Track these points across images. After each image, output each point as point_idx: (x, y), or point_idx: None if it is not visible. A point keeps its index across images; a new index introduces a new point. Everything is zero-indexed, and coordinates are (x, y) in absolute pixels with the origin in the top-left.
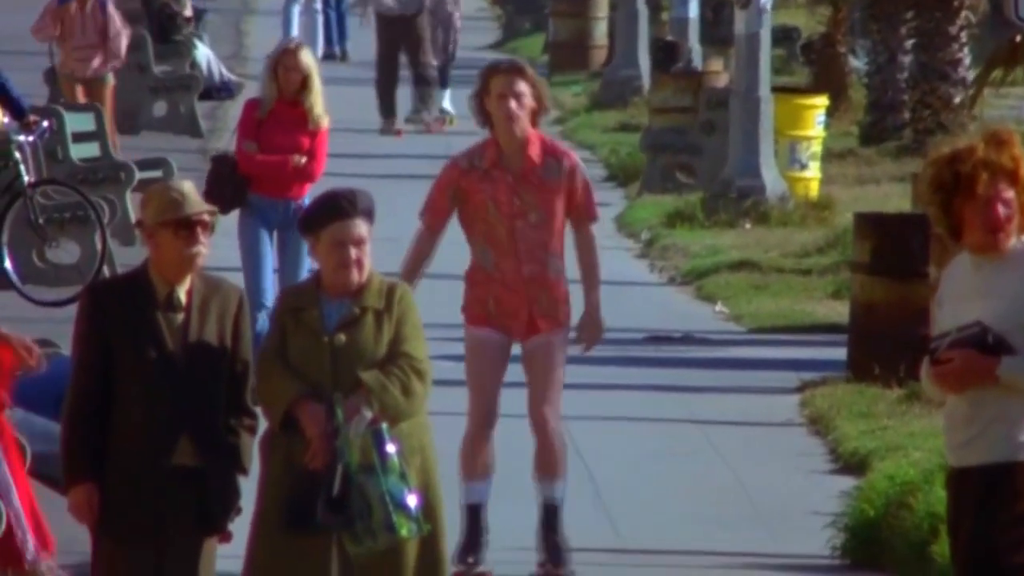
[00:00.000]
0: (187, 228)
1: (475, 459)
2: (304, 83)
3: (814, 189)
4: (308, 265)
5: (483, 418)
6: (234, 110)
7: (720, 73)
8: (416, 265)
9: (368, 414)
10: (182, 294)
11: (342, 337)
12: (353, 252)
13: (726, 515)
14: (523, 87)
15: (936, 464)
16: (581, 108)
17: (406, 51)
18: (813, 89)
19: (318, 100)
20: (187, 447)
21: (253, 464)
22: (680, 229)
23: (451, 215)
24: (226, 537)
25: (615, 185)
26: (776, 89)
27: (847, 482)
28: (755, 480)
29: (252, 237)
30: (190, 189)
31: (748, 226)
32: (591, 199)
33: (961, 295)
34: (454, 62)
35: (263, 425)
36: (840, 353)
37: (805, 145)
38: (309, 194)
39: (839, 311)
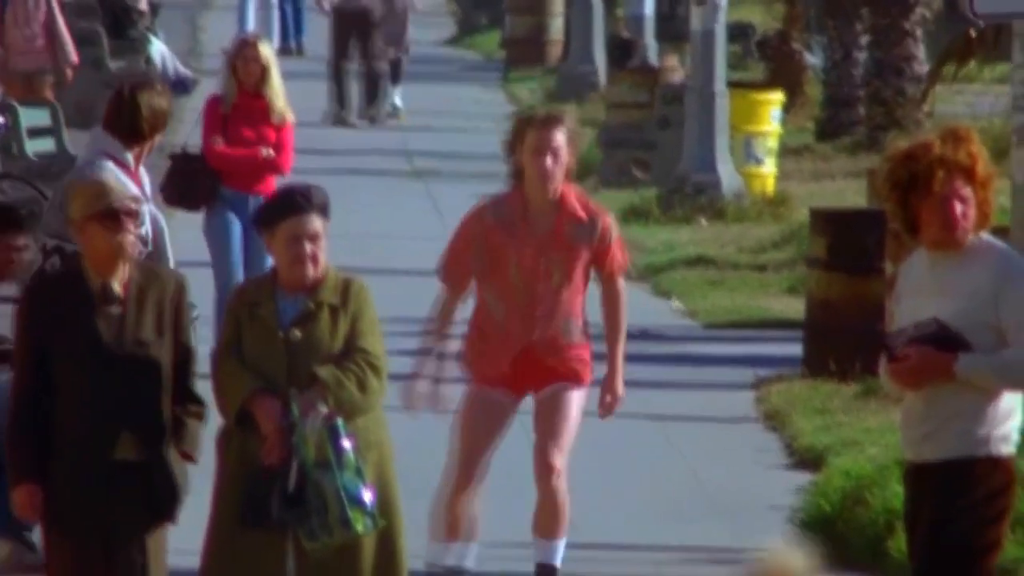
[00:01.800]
0: (114, 218)
1: (450, 517)
2: (263, 74)
3: (770, 185)
4: None
5: (467, 480)
6: (190, 106)
7: (676, 69)
8: (444, 334)
9: (324, 409)
10: (118, 286)
11: (297, 332)
12: (308, 247)
13: (683, 510)
14: (560, 141)
15: (892, 459)
16: (537, 103)
17: (358, 43)
18: (769, 85)
19: (278, 92)
20: (131, 439)
21: (208, 452)
22: (636, 225)
23: (473, 271)
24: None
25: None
26: (732, 85)
27: (803, 477)
28: (711, 475)
29: (222, 232)
30: (112, 180)
31: (704, 222)
32: (623, 253)
33: (918, 291)
34: (408, 56)
35: (218, 420)
36: (796, 349)
37: (761, 141)
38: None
39: (795, 307)
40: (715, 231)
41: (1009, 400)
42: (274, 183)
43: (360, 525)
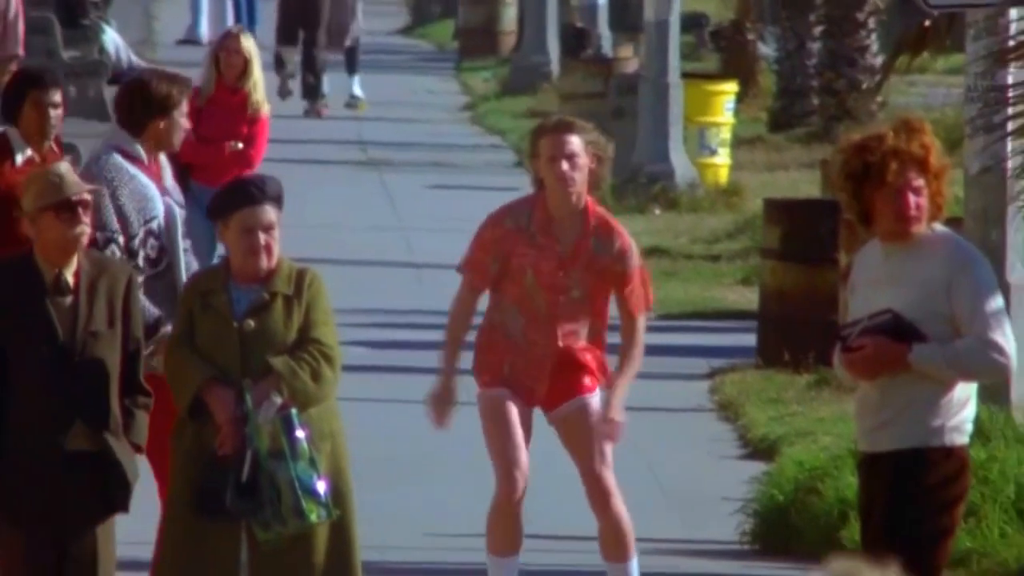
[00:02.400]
0: (68, 210)
1: (504, 531)
2: (245, 67)
3: (723, 175)
4: None
5: (512, 484)
6: None
7: (630, 59)
8: (463, 331)
9: (277, 400)
10: (69, 276)
11: (251, 323)
12: (262, 238)
13: (636, 500)
14: (575, 146)
15: (845, 450)
16: (491, 94)
17: (304, 31)
18: (722, 75)
19: (258, 86)
20: (82, 430)
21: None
22: None
23: (492, 276)
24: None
25: (525, 171)
26: (686, 75)
27: (756, 468)
28: (665, 466)
29: (194, 225)
30: (67, 171)
31: (658, 212)
32: (645, 289)
33: (872, 282)
34: (359, 47)
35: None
36: (750, 339)
37: (714, 131)
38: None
39: (749, 297)
40: (669, 221)
41: (963, 390)
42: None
43: (314, 515)
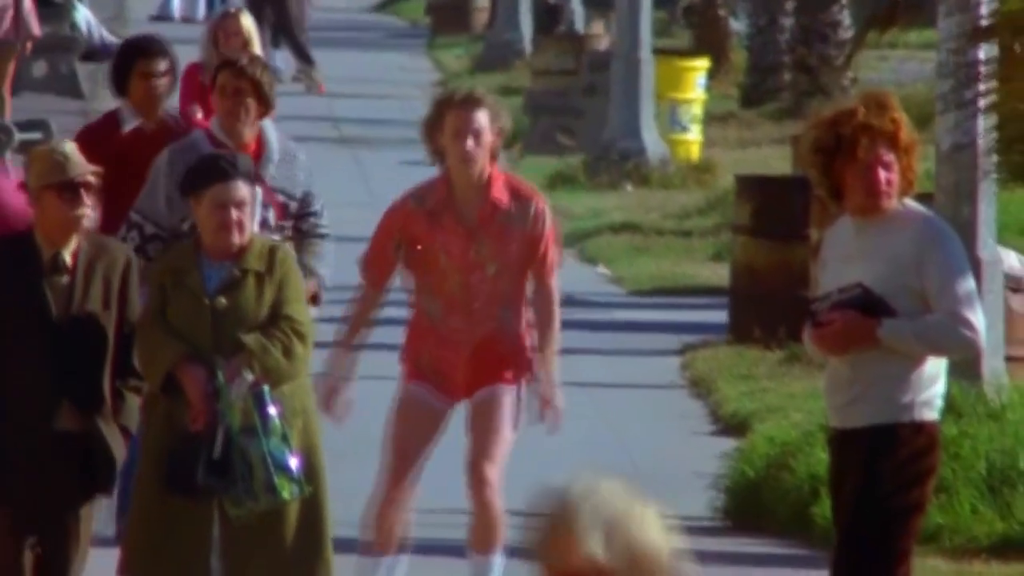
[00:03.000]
0: (71, 190)
1: (381, 527)
2: (244, 48)
3: (695, 152)
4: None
5: (396, 485)
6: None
7: (601, 36)
8: (357, 331)
9: (249, 376)
10: (67, 256)
11: (223, 300)
12: (234, 214)
13: (608, 476)
14: (482, 122)
15: (816, 425)
16: (463, 71)
17: (272, 10)
18: (694, 52)
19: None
20: (71, 410)
21: None
22: (562, 191)
23: (396, 266)
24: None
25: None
26: (657, 52)
27: (728, 444)
28: (637, 442)
29: None
30: (72, 151)
31: (629, 188)
32: (556, 248)
33: (843, 257)
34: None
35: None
36: (721, 315)
37: (686, 108)
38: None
39: (720, 273)
40: (641, 197)
41: (933, 366)
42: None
43: (286, 492)
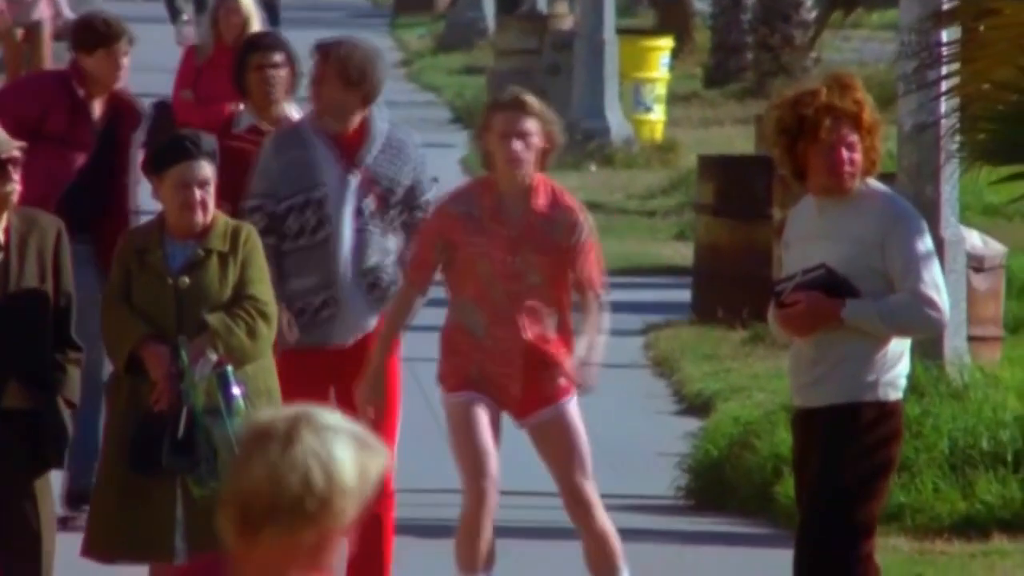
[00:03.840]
0: None
1: (475, 545)
2: (244, 28)
3: (659, 131)
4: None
5: (480, 496)
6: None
7: (565, 15)
8: (397, 328)
9: (213, 357)
10: (0, 234)
11: (186, 279)
12: (198, 193)
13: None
14: (530, 125)
15: (779, 405)
16: (426, 50)
17: None
18: (657, 31)
19: None
20: (17, 388)
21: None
22: None
23: (437, 268)
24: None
25: (460, 127)
26: (621, 31)
27: (691, 423)
28: (600, 421)
29: None
30: None
31: (593, 168)
32: (597, 267)
33: (807, 237)
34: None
35: (108, 367)
36: (684, 295)
37: (650, 87)
38: None
39: (683, 253)
40: (604, 177)
41: (897, 346)
42: None
43: None
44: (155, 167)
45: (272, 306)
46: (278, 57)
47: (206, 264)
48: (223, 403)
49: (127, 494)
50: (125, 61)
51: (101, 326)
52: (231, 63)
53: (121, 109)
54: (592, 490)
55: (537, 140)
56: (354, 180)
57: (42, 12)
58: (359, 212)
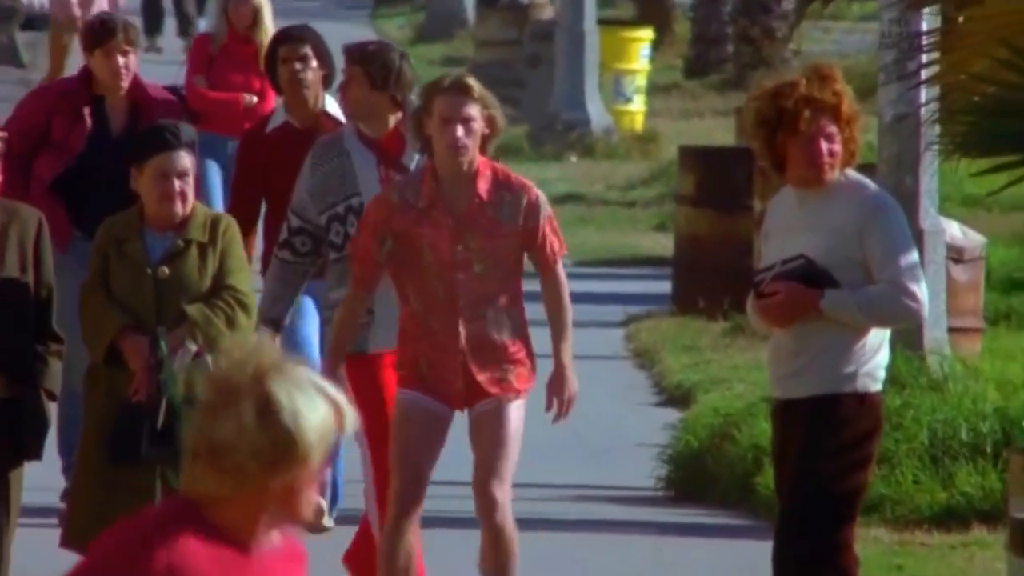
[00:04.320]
0: None
1: (395, 557)
2: (255, 18)
3: (639, 122)
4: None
5: (407, 502)
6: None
7: (545, 6)
8: (346, 338)
9: (192, 347)
10: None
11: (166, 270)
12: (177, 184)
13: (552, 447)
14: (472, 110)
15: (759, 396)
16: (406, 41)
17: None
18: (638, 22)
19: (267, 37)
20: None
21: None
22: (506, 162)
23: (383, 264)
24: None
25: None
26: (601, 22)
27: (672, 414)
28: (581, 412)
29: (202, 175)
30: None
31: (574, 159)
32: (557, 236)
33: (786, 228)
34: None
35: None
36: (665, 286)
37: (630, 79)
38: None
39: (664, 244)
40: (585, 168)
41: (876, 337)
42: None
43: None
44: (134, 158)
45: (251, 296)
46: (305, 50)
47: (185, 255)
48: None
49: (106, 485)
50: (124, 60)
51: (79, 316)
52: (243, 51)
53: (141, 106)
54: (503, 493)
55: (479, 125)
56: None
57: (102, 7)
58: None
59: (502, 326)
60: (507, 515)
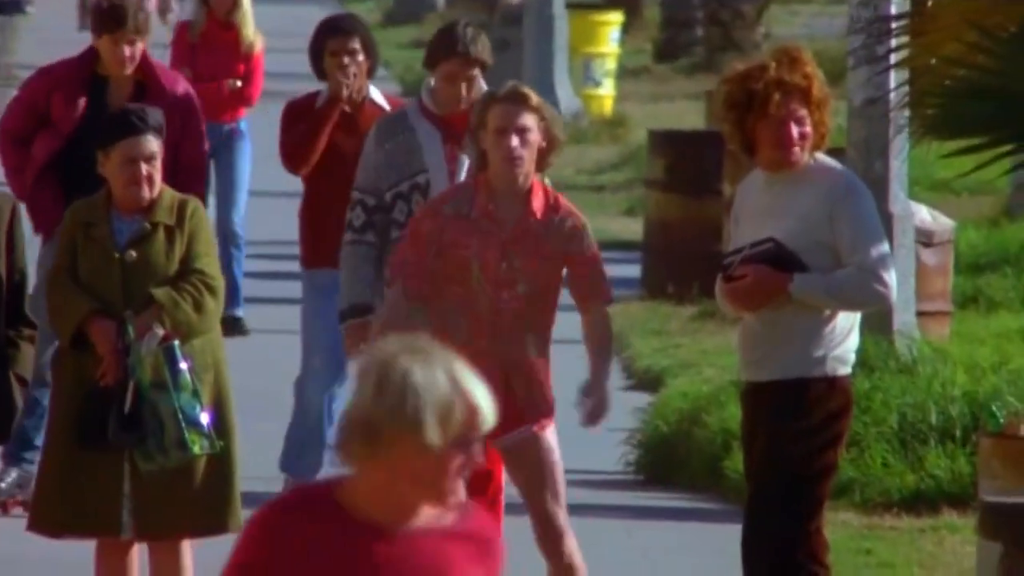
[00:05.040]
0: None
1: None
2: (235, 5)
3: (608, 106)
4: (245, 186)
5: None
6: (24, 25)
7: None
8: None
9: (160, 331)
10: None
11: (133, 254)
12: (144, 168)
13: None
14: (528, 120)
15: (729, 381)
16: (375, 24)
17: None
18: (607, 6)
19: (248, 20)
20: None
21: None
22: None
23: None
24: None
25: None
26: (571, 6)
27: (641, 399)
28: None
29: None
30: None
31: None
32: (602, 274)
33: (756, 212)
34: None
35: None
36: (634, 271)
37: (599, 62)
38: (246, 116)
39: (633, 228)
40: None
41: (846, 320)
42: (243, 111)
43: (197, 446)
44: (101, 143)
45: (219, 280)
46: (354, 44)
47: (152, 238)
48: (170, 377)
49: (74, 469)
50: (131, 50)
51: (46, 301)
52: (224, 37)
53: (148, 88)
54: (565, 519)
55: (535, 136)
56: (459, 164)
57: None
58: None
59: (539, 353)
60: (573, 544)
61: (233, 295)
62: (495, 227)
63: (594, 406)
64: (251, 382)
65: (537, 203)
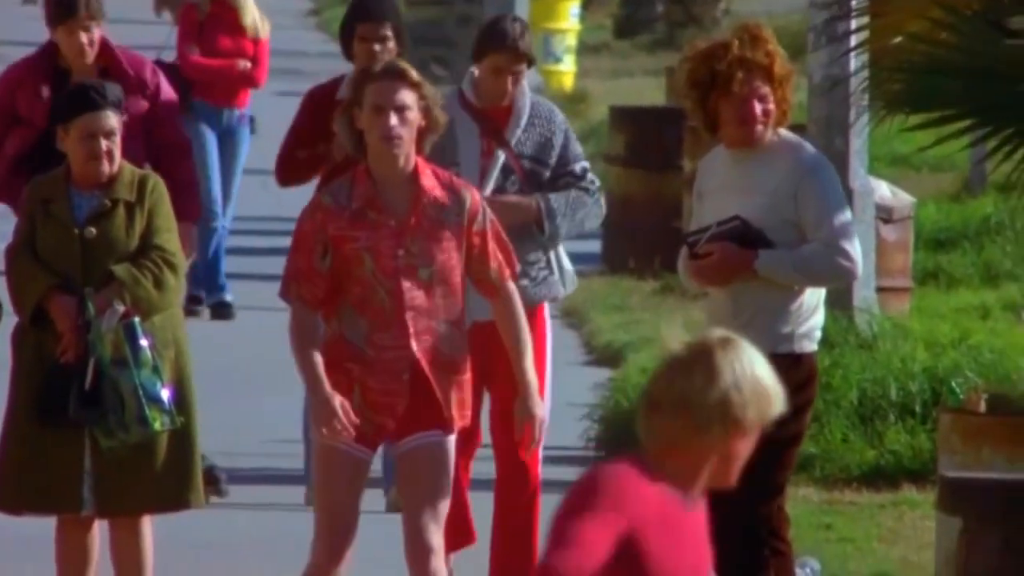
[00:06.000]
0: None
1: None
2: None
3: (569, 82)
4: (239, 178)
5: (332, 547)
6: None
7: None
8: (312, 355)
9: (120, 308)
10: None
11: (92, 230)
12: (104, 144)
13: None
14: (407, 97)
15: None
16: (336, 0)
17: None
18: None
19: (247, 6)
20: None
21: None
22: None
23: (326, 277)
24: None
25: None
26: None
27: (601, 374)
28: None
29: (198, 144)
30: None
31: None
32: (507, 251)
33: (720, 189)
34: None
35: (14, 319)
36: (595, 246)
37: (560, 38)
38: (251, 102)
39: None
40: None
41: (812, 297)
42: (248, 96)
43: (157, 423)
44: (61, 118)
45: (179, 256)
46: (385, 31)
47: (112, 214)
48: (130, 354)
49: (34, 446)
50: (87, 37)
51: (5, 277)
52: (231, 16)
53: (111, 75)
54: (438, 537)
55: (414, 115)
56: (495, 158)
57: None
58: (500, 192)
59: (451, 344)
60: (441, 559)
61: (217, 280)
62: (383, 216)
63: (527, 429)
64: (212, 359)
65: (427, 182)
